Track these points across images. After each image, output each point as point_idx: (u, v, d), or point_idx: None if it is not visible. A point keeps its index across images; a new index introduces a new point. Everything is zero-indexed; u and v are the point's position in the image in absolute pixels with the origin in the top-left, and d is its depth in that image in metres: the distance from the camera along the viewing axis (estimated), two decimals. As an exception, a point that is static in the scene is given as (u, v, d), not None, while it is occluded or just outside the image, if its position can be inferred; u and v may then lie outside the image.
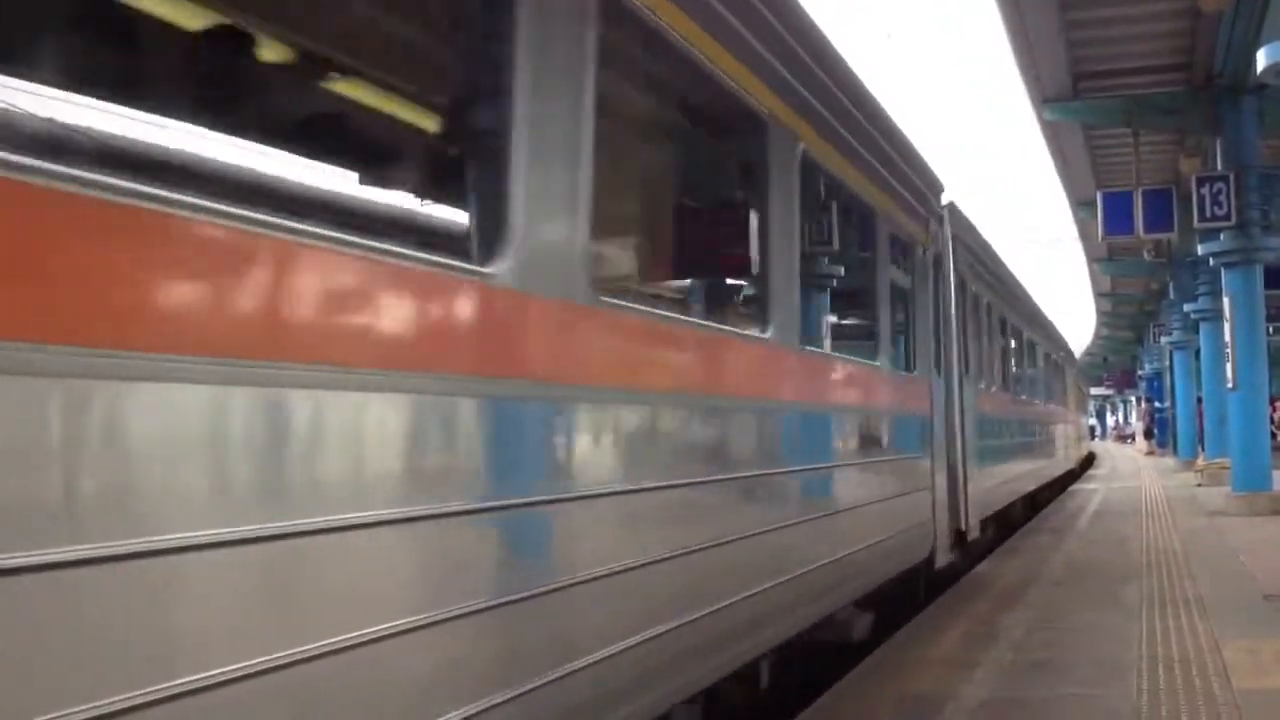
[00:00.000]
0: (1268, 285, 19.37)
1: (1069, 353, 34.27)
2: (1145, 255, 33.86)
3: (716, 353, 5.37)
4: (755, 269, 5.90)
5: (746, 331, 5.88)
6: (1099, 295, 48.36)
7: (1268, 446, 19.63)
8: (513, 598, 3.37)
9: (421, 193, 4.60)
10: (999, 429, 15.42)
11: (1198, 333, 28.50)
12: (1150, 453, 51.06)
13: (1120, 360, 72.70)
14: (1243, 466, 18.89)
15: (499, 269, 3.45)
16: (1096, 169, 25.90)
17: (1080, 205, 28.43)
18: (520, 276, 3.52)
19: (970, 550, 12.33)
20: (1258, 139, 19.01)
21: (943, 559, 10.34)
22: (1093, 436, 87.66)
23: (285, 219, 2.66)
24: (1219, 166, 18.94)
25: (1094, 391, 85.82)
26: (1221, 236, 18.58)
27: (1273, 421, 24.34)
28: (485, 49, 3.66)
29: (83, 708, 2.14)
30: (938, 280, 11.07)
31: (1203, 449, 29.27)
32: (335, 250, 2.81)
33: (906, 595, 9.72)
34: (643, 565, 4.13)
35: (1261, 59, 13.69)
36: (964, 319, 12.44)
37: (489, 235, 3.51)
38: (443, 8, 4.26)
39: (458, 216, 4.36)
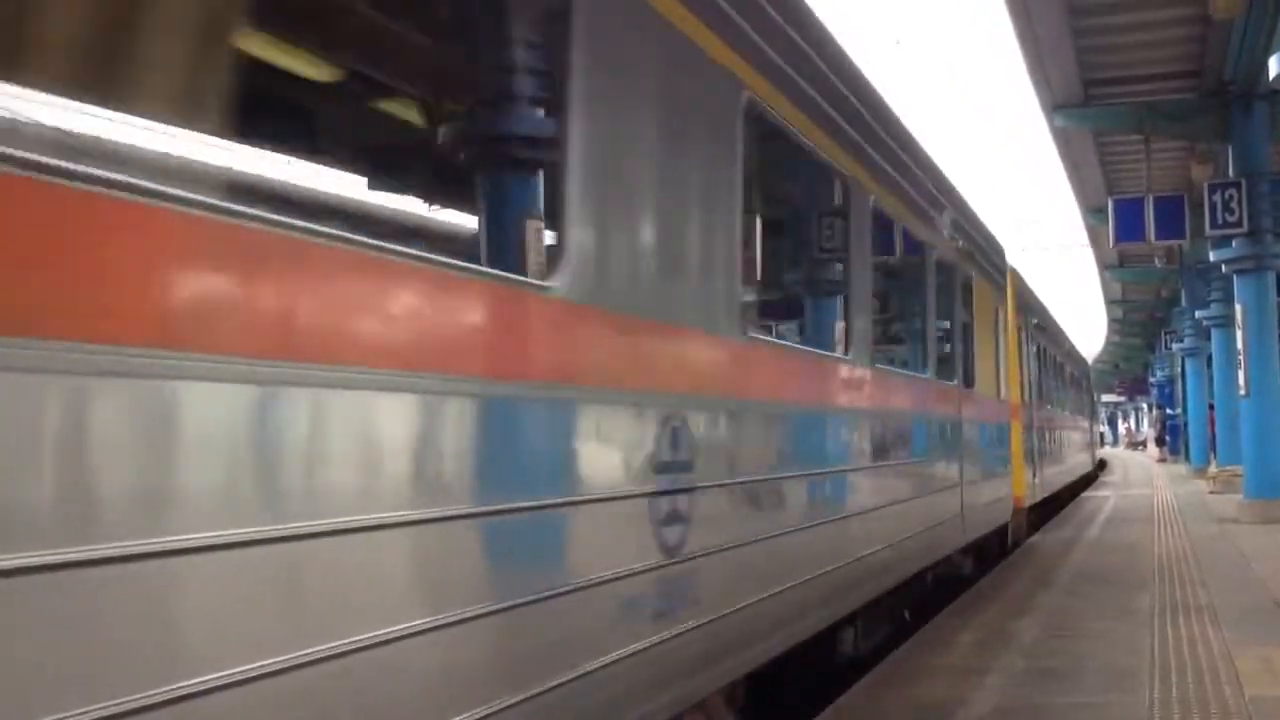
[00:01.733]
0: (1280, 291, 19.36)
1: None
2: (1156, 262, 33.79)
3: None
4: None
5: None
6: (1110, 302, 48.29)
7: (1280, 454, 19.58)
8: None
9: None
10: None
11: (1209, 339, 28.46)
12: (1161, 459, 50.95)
13: (1132, 367, 72.60)
14: (1255, 474, 18.82)
15: None
16: (1107, 175, 25.88)
17: (1091, 212, 28.39)
18: None
19: None
20: (1269, 145, 18.99)
21: None
22: (1103, 443, 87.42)
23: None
24: (1230, 173, 18.93)
25: (1106, 398, 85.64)
26: (1233, 243, 18.55)
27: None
28: None
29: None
30: None
31: (1214, 456, 29.18)
32: None
33: None
34: None
35: (1273, 66, 13.67)
36: None
37: None
38: None
39: None
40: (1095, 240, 33.28)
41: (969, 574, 12.27)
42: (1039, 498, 18.04)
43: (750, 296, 6.96)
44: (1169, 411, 53.70)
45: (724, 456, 5.22)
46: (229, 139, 3.40)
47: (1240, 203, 17.97)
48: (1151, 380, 62.56)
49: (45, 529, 2.13)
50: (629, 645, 4.15)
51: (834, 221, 7.93)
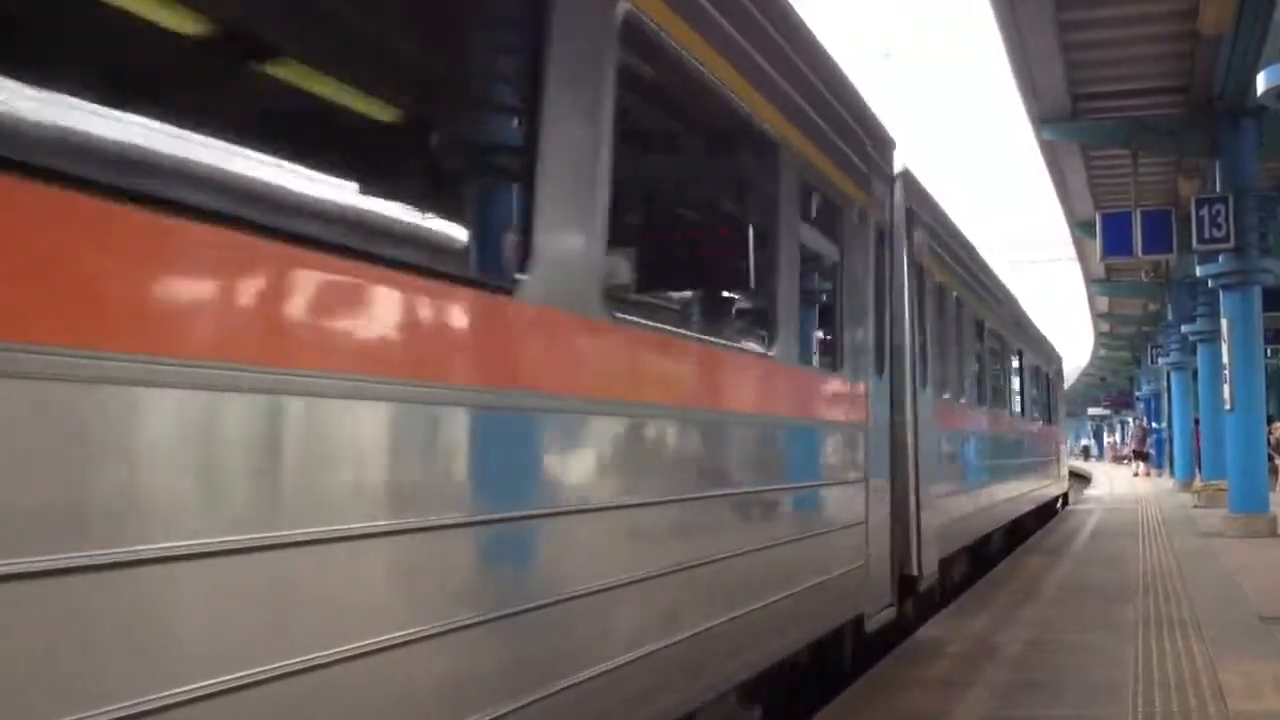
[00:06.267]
0: (1266, 307, 19.40)
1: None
2: (1143, 276, 33.89)
3: None
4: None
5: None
6: (1097, 316, 48.39)
7: (1264, 468, 19.61)
8: None
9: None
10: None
11: (1195, 354, 28.50)
12: (1140, 474, 50.03)
13: (1118, 381, 72.77)
14: (1240, 488, 18.87)
15: None
16: (1095, 189, 25.93)
17: (1078, 226, 28.46)
18: None
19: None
20: (1256, 161, 19.05)
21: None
22: (1087, 457, 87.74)
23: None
24: (1218, 188, 18.97)
25: (1092, 411, 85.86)
26: (1220, 258, 18.59)
27: (1269, 444, 24.32)
28: None
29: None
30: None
31: (1199, 470, 29.21)
32: None
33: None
34: None
35: (1261, 81, 13.72)
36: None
37: None
38: None
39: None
40: (1082, 254, 33.33)
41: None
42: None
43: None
44: (1154, 425, 53.71)
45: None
46: None
47: (1227, 218, 18.02)
48: (1138, 394, 62.71)
49: None
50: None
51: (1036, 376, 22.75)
